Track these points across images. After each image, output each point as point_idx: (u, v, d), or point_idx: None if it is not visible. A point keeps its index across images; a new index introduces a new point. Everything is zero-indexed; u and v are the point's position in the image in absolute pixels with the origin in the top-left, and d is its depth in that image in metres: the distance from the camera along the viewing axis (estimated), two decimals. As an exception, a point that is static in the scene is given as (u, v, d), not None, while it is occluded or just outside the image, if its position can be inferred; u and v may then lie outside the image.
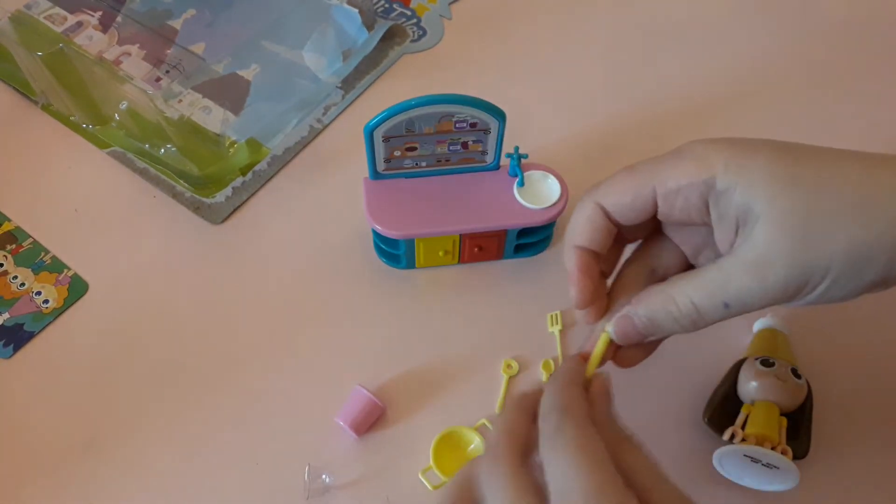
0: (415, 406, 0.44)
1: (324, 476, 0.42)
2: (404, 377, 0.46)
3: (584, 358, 0.34)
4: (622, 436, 0.30)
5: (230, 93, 0.57)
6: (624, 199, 0.33)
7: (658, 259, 0.36)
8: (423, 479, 0.42)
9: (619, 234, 0.35)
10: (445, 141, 0.45)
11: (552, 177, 0.48)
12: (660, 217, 0.33)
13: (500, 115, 0.44)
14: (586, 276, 0.34)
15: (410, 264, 0.50)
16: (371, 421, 0.44)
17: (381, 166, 0.47)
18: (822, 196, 0.29)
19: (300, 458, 0.43)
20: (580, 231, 0.34)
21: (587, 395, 0.31)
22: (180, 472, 0.43)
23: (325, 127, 0.57)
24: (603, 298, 0.36)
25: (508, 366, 0.46)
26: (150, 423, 0.44)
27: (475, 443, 0.43)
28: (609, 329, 0.34)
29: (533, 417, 0.30)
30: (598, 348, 0.34)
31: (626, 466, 0.28)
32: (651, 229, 0.36)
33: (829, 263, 0.29)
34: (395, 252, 0.49)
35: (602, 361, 0.34)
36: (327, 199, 0.53)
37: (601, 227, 0.34)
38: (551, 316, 0.47)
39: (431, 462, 0.42)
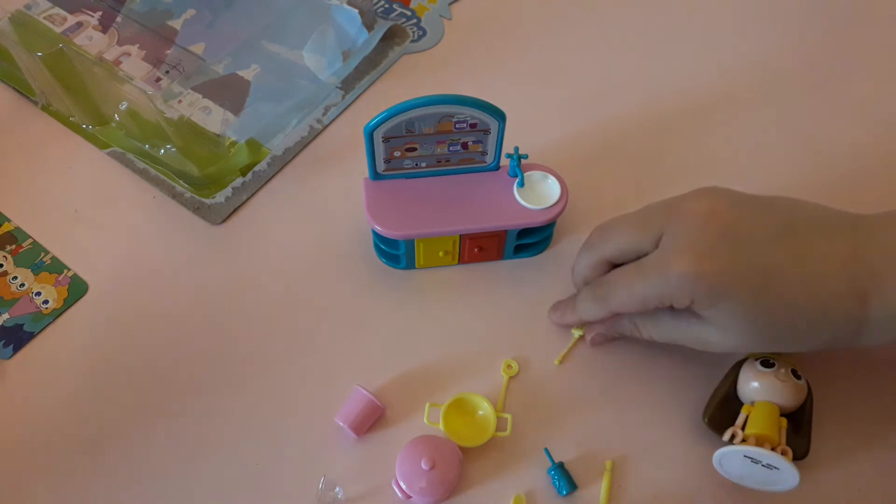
0: (415, 406, 0.44)
1: (337, 489, 0.42)
2: (404, 378, 0.46)
3: None
4: None
5: (230, 93, 0.57)
6: (631, 306, 0.41)
7: None
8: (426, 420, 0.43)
9: None
10: (445, 141, 0.45)
11: (552, 177, 0.48)
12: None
13: (499, 116, 0.44)
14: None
15: (410, 265, 0.50)
16: (371, 421, 0.44)
17: (381, 167, 0.47)
18: (769, 336, 0.38)
19: (300, 458, 0.43)
20: (586, 275, 0.45)
21: None
22: (180, 473, 0.43)
23: (325, 127, 0.57)
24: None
25: (508, 366, 0.46)
26: (150, 424, 0.44)
27: (483, 409, 0.43)
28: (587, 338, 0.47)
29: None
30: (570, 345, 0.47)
31: None
32: None
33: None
34: (394, 252, 0.49)
35: None
36: (327, 199, 0.53)
37: (601, 270, 0.44)
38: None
39: (441, 426, 0.43)
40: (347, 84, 0.58)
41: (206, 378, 0.46)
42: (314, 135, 0.56)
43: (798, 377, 0.42)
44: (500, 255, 0.50)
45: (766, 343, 0.38)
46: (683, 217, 0.38)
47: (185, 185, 0.53)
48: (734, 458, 0.40)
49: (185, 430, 0.44)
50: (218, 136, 0.55)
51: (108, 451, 0.43)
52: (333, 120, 0.57)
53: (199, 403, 0.45)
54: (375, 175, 0.47)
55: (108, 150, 0.55)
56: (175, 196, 0.53)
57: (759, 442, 0.39)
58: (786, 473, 0.39)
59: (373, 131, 0.43)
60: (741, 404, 0.42)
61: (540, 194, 0.47)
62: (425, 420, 0.43)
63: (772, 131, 0.56)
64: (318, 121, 0.57)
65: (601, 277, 0.43)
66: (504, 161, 0.48)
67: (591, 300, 0.43)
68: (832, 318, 0.36)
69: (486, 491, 0.42)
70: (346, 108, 0.57)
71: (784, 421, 0.41)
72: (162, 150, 0.53)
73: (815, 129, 0.56)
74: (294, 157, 0.55)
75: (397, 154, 0.46)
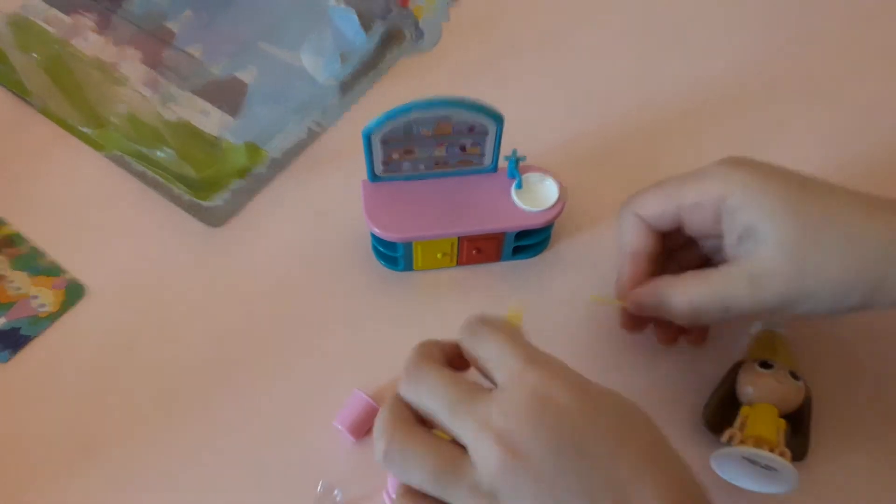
0: (413, 409, 0.44)
1: (336, 492, 0.41)
2: (403, 380, 0.46)
3: None
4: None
5: (228, 95, 0.57)
6: (654, 212, 0.40)
7: (683, 257, 0.44)
8: None
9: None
10: (443, 144, 0.45)
11: (550, 179, 0.48)
12: (684, 228, 0.40)
13: (497, 118, 0.44)
14: (634, 283, 0.41)
15: (409, 267, 0.50)
16: (369, 424, 0.43)
17: (379, 169, 0.47)
18: (824, 232, 0.35)
19: (299, 461, 0.43)
20: (631, 239, 0.41)
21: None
22: (178, 477, 0.43)
23: (324, 130, 0.57)
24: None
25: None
26: (147, 428, 0.44)
27: None
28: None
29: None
30: None
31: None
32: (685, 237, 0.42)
33: (818, 289, 0.36)
34: (393, 255, 0.49)
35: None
36: (325, 201, 0.53)
37: (645, 232, 0.41)
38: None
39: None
40: (345, 86, 0.58)
41: (204, 382, 0.46)
42: (312, 137, 0.56)
43: (797, 378, 0.42)
44: (498, 257, 0.50)
45: (816, 253, 0.36)
46: (718, 162, 0.39)
47: (183, 188, 0.53)
48: (733, 460, 0.40)
49: (184, 434, 0.44)
50: (216, 138, 0.55)
51: (106, 455, 0.43)
52: (332, 123, 0.57)
53: (197, 407, 0.45)
54: (374, 177, 0.47)
55: (106, 153, 0.55)
56: (173, 199, 0.53)
57: (758, 443, 0.39)
58: (784, 475, 0.39)
59: (371, 134, 0.43)
60: (740, 406, 0.42)
61: (538, 196, 0.47)
62: None
63: (771, 133, 0.56)
64: (317, 123, 0.57)
65: None
66: (502, 163, 0.48)
67: (619, 215, 0.43)
68: (875, 232, 0.35)
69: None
70: (344, 111, 0.57)
71: (783, 422, 0.41)
72: (159, 153, 0.52)
73: (815, 131, 0.56)
74: (292, 159, 0.55)
75: (395, 156, 0.46)
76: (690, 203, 0.38)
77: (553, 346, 0.47)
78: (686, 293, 0.38)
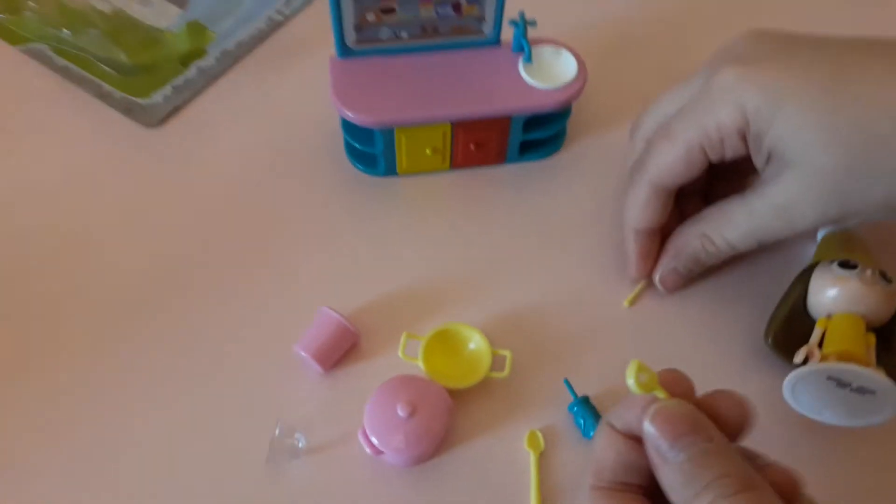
0: (395, 336, 0.35)
1: (297, 436, 0.32)
2: (382, 302, 0.36)
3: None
4: None
5: (174, -17, 0.48)
6: (678, 170, 0.33)
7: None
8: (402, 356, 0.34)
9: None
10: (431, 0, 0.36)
11: (566, 51, 0.38)
12: (713, 162, 0.33)
13: (500, -35, 0.35)
14: (646, 258, 0.36)
15: (391, 169, 0.40)
16: (341, 352, 0.34)
17: (351, 38, 0.37)
18: (861, 154, 0.28)
19: (252, 397, 0.33)
20: (641, 217, 0.35)
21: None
22: (107, 418, 0.33)
23: (287, 19, 0.47)
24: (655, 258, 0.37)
25: (514, 286, 0.36)
26: (68, 361, 0.35)
27: (475, 342, 0.34)
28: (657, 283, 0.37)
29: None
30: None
31: None
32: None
33: (863, 210, 0.30)
34: (370, 151, 0.39)
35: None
36: (288, 96, 0.44)
37: (659, 206, 0.34)
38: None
39: (420, 362, 0.33)
40: (314, -30, 0.49)
41: (138, 303, 0.36)
42: (274, 27, 0.47)
43: (888, 280, 0.32)
44: (501, 157, 0.41)
45: (858, 177, 0.29)
46: (728, 44, 0.33)
47: (114, 81, 0.43)
48: (813, 383, 0.30)
49: (113, 365, 0.34)
50: (156, 29, 0.45)
51: (23, 389, 0.34)
52: (297, 12, 0.47)
53: (130, 333, 0.35)
54: (344, 51, 0.38)
55: (23, 45, 0.45)
56: (103, 97, 0.43)
57: (844, 360, 0.30)
58: (885, 397, 0.29)
59: (339, -19, 0.34)
60: (813, 321, 0.33)
61: (552, 73, 0.38)
62: (400, 354, 0.34)
63: (802, 16, 0.47)
64: (279, 12, 0.47)
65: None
66: (507, 36, 0.38)
67: (630, 179, 0.35)
68: None
69: (483, 444, 0.33)
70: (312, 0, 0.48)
71: (872, 336, 0.32)
72: (85, 37, 0.43)
73: (849, 23, 0.47)
74: (248, 52, 0.46)
75: (371, 17, 0.36)
76: (715, 142, 0.32)
77: (576, 269, 0.38)
78: (721, 235, 0.34)
